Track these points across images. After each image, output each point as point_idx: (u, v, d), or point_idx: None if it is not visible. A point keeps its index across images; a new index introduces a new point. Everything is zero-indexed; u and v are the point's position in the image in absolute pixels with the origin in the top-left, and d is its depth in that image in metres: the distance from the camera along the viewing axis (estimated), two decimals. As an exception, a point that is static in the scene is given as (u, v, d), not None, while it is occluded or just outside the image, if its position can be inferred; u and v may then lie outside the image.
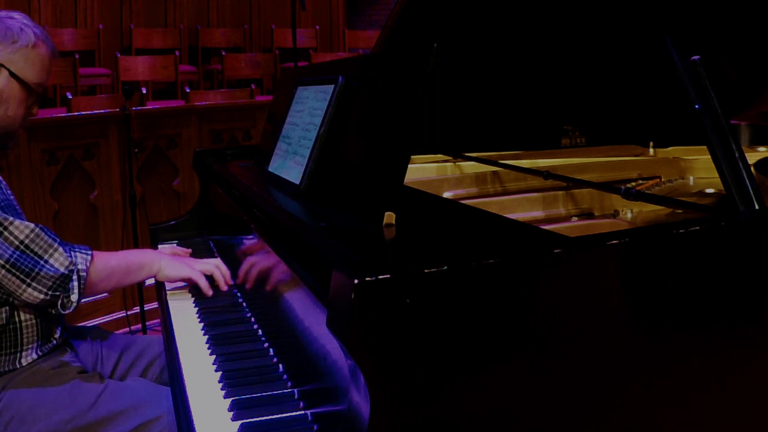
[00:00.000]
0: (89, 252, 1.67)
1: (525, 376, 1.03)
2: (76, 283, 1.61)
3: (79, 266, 1.62)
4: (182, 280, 1.86)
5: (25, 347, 1.63)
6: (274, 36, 7.73)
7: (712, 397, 1.19)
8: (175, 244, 2.39)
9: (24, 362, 1.63)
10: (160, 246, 2.38)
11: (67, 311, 1.63)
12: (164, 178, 4.36)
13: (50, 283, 1.58)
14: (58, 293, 1.59)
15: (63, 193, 3.89)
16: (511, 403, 1.03)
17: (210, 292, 1.81)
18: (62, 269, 1.59)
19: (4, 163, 3.60)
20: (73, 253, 1.63)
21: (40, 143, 3.72)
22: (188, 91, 5.37)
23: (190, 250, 2.09)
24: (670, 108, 1.74)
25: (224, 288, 1.83)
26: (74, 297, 1.61)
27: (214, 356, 1.52)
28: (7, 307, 1.61)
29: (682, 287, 1.15)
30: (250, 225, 1.70)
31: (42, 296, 1.58)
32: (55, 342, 1.70)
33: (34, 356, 1.64)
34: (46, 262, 1.58)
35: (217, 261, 1.88)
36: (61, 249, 1.61)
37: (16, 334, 1.62)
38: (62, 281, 1.59)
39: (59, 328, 1.73)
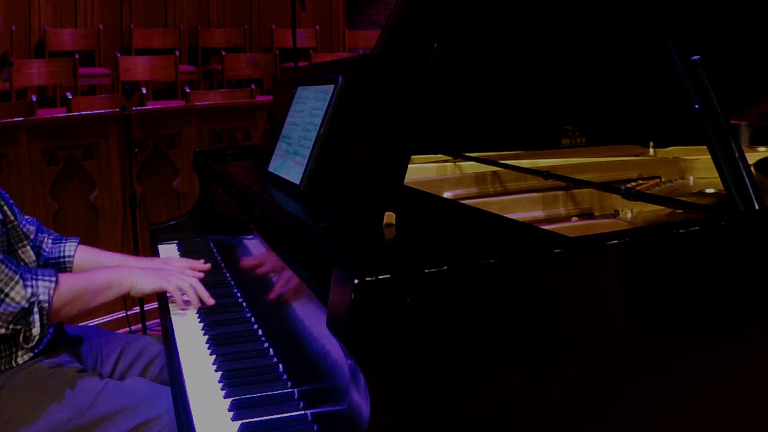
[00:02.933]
0: (53, 278, 1.59)
1: (525, 376, 1.03)
2: (37, 316, 1.55)
3: (41, 297, 1.55)
4: (155, 291, 1.76)
5: (19, 347, 1.61)
6: (274, 36, 7.73)
7: (712, 397, 1.19)
8: (175, 245, 2.39)
9: (20, 360, 1.61)
10: (160, 246, 2.38)
11: (30, 345, 1.57)
12: (164, 178, 4.36)
13: (10, 318, 1.53)
14: (19, 327, 1.54)
15: (63, 193, 3.89)
16: (512, 403, 1.03)
17: (184, 307, 1.75)
18: (23, 303, 1.53)
19: (4, 163, 3.60)
20: (35, 283, 1.56)
21: (40, 143, 3.73)
22: (188, 91, 5.38)
23: (202, 262, 1.95)
24: (670, 108, 1.74)
25: (196, 306, 1.74)
26: (35, 331, 1.55)
27: (214, 356, 1.52)
28: None
29: (682, 287, 1.15)
30: (250, 225, 1.70)
31: (3, 330, 1.53)
32: (49, 336, 1.69)
33: (30, 354, 1.63)
34: (6, 295, 1.52)
35: (193, 280, 1.77)
36: (21, 282, 1.53)
37: (8, 337, 1.59)
38: (22, 315, 1.53)
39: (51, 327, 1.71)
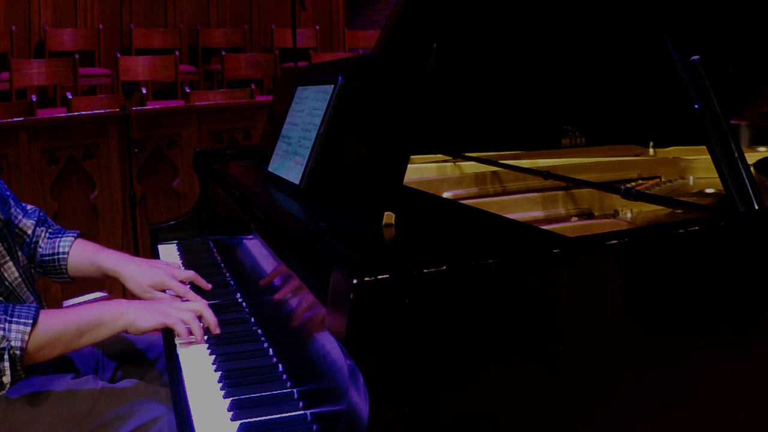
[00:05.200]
0: (30, 320, 1.42)
1: (525, 375, 1.03)
2: (7, 364, 1.39)
3: (12, 342, 1.39)
4: (157, 328, 1.56)
5: None
6: (274, 36, 7.74)
7: (712, 397, 1.19)
8: (175, 245, 2.39)
9: None
10: (160, 246, 2.38)
11: (1, 393, 1.43)
12: (164, 178, 4.36)
13: None
14: None
15: (63, 193, 3.89)
16: (512, 403, 1.03)
17: (188, 338, 1.55)
18: None
19: (4, 163, 3.60)
20: (8, 326, 1.40)
21: (40, 143, 3.73)
22: (188, 91, 5.38)
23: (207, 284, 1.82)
24: (670, 108, 1.74)
25: (200, 341, 1.56)
26: (6, 379, 1.40)
27: (213, 356, 1.52)
28: None
29: (681, 287, 1.15)
30: (250, 225, 1.70)
31: None
32: None
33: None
34: None
35: (199, 306, 1.60)
36: None
37: None
38: None
39: None
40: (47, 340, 1.44)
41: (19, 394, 1.52)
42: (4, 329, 1.39)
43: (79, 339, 1.48)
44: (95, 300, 3.94)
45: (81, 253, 1.87)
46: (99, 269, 1.87)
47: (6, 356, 1.38)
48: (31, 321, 1.42)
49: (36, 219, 1.88)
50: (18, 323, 1.41)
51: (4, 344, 1.38)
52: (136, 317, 1.52)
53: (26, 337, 1.40)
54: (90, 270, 1.88)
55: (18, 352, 1.39)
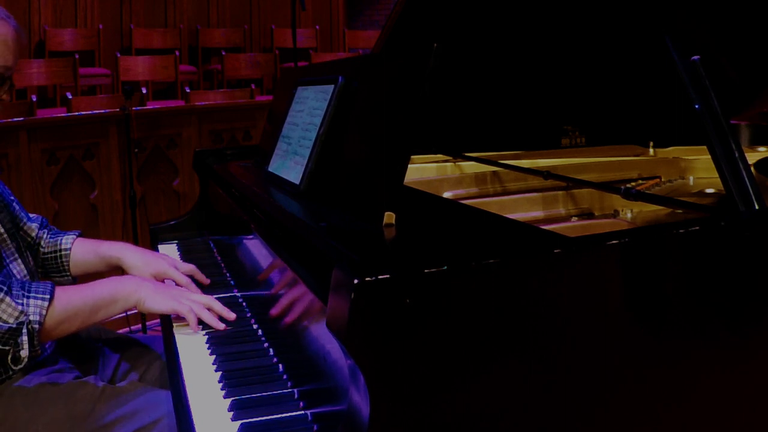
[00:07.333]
0: (47, 295, 1.46)
1: (525, 375, 1.03)
2: (26, 338, 1.42)
3: (31, 317, 1.43)
4: (167, 313, 1.62)
5: (9, 369, 1.50)
6: (274, 36, 7.74)
7: (712, 397, 1.19)
8: (175, 245, 2.39)
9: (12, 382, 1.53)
10: (160, 246, 2.38)
11: (18, 367, 1.45)
12: (164, 178, 4.37)
13: None
14: (7, 348, 1.43)
15: (63, 193, 3.89)
16: (512, 403, 1.03)
17: (197, 329, 1.60)
18: (11, 321, 1.41)
19: (4, 163, 3.61)
20: (26, 300, 1.44)
21: (40, 143, 3.73)
22: (188, 91, 5.38)
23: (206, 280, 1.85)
24: (670, 108, 1.74)
25: (218, 326, 1.60)
26: (24, 353, 1.43)
27: (214, 356, 1.52)
28: None
29: (682, 287, 1.15)
30: (250, 225, 1.70)
31: None
32: (47, 353, 1.63)
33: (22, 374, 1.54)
34: None
35: (209, 300, 1.63)
36: (8, 299, 1.42)
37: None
38: (10, 336, 1.41)
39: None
40: (65, 315, 1.48)
41: (20, 394, 1.52)
42: (22, 304, 1.43)
43: (95, 314, 1.54)
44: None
45: (84, 248, 1.91)
46: (102, 259, 1.91)
47: (24, 330, 1.42)
48: (48, 296, 1.46)
49: (39, 223, 1.94)
50: (36, 298, 1.45)
51: (23, 318, 1.42)
52: (146, 297, 1.57)
53: (44, 312, 1.44)
54: (93, 262, 1.92)
55: (36, 326, 1.43)
